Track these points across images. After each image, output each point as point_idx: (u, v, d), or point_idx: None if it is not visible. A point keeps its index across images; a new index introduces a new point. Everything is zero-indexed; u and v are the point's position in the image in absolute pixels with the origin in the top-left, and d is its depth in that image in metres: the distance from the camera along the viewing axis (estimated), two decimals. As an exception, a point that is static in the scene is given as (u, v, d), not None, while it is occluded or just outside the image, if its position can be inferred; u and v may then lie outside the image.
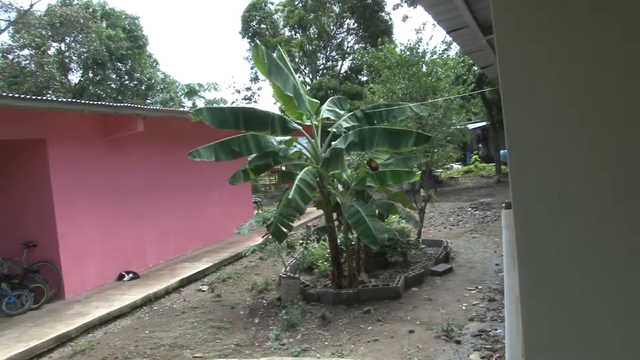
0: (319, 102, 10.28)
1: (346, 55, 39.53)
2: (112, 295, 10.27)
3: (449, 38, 16.67)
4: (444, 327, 7.36)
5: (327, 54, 40.92)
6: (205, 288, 10.91)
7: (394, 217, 11.32)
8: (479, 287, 9.28)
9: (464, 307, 8.36)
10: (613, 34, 2.34)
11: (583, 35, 2.34)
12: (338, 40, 40.50)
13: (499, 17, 2.27)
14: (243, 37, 40.12)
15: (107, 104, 14.17)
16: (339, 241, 9.91)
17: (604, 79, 2.35)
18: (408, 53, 14.28)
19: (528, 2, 2.25)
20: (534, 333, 2.39)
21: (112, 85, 34.75)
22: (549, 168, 2.29)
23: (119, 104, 12.15)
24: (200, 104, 38.69)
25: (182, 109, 29.36)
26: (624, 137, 2.33)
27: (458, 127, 17.07)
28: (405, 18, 47.47)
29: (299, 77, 38.26)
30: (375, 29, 36.57)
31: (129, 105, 13.42)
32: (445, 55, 17.11)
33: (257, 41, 9.13)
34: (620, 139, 2.33)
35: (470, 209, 17.98)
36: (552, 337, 2.39)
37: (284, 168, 15.79)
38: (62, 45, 31.87)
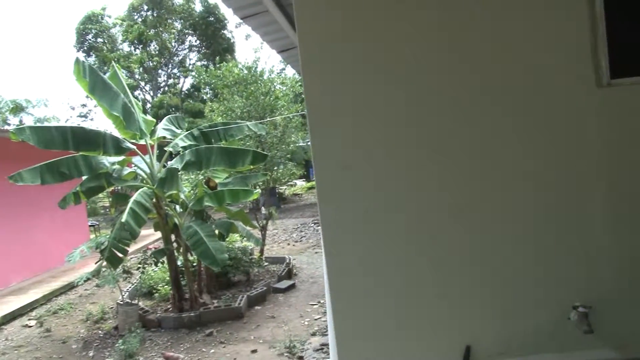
0: (154, 120, 9.94)
1: (188, 73, 38.91)
2: None
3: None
4: (286, 344, 7.40)
5: (169, 70, 40.03)
6: (32, 323, 9.97)
7: (236, 236, 11.25)
8: (321, 301, 9.46)
9: (306, 322, 8.48)
10: (419, 50, 2.50)
11: (387, 54, 2.47)
12: (180, 57, 39.82)
13: (302, 37, 2.33)
14: (78, 51, 37.90)
15: None
16: (179, 263, 9.62)
17: (408, 98, 2.49)
18: (246, 72, 14.34)
19: (329, 25, 2.33)
20: (345, 341, 2.46)
21: None
22: (355, 185, 2.38)
23: None
24: (29, 121, 35.65)
25: (7, 126, 26.92)
26: (429, 156, 2.49)
27: (299, 144, 17.43)
28: (247, 37, 47.61)
29: (139, 94, 36.92)
30: (218, 47, 36.51)
31: None
32: (283, 74, 17.44)
33: (77, 57, 8.61)
34: (425, 157, 2.49)
35: (313, 224, 18.36)
36: (359, 345, 2.48)
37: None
38: None
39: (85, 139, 8.19)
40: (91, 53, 36.54)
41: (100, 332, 9.10)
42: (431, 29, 2.40)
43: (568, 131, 2.56)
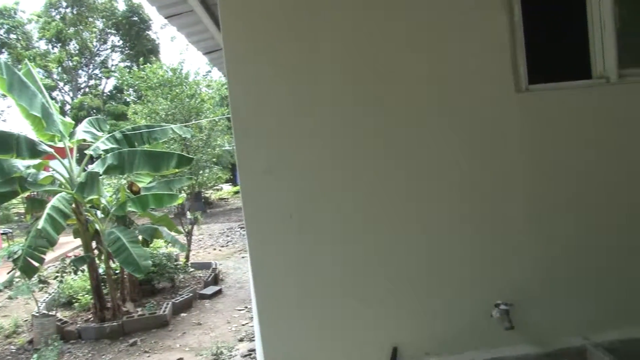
0: (73, 122, 9.61)
1: (111, 74, 37.68)
2: None
3: (213, 60, 16.86)
4: (213, 351, 7.33)
5: (90, 71, 38.60)
6: None
7: (160, 241, 11.02)
8: (248, 306, 9.39)
9: (233, 328, 8.40)
10: (342, 56, 2.50)
11: (313, 56, 2.46)
12: (102, 58, 38.51)
13: (227, 41, 2.29)
14: (-12, 46, 35.86)
15: None
16: (100, 271, 9.30)
17: (334, 101, 2.49)
18: (171, 74, 14.08)
19: (254, 26, 2.31)
20: (271, 346, 2.44)
21: None
22: (279, 190, 2.36)
23: None
24: None
25: None
26: (354, 159, 2.50)
27: (225, 148, 17.26)
28: (173, 38, 46.62)
29: (58, 95, 35.40)
30: (142, 48, 35.57)
31: None
32: (209, 77, 17.24)
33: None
34: (350, 160, 2.50)
35: (239, 229, 18.23)
36: (286, 349, 2.46)
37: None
38: None
39: (-5, 141, 7.76)
40: (3, 50, 34.65)
41: (12, 347, 8.65)
42: (355, 29, 2.40)
43: (487, 134, 2.64)
